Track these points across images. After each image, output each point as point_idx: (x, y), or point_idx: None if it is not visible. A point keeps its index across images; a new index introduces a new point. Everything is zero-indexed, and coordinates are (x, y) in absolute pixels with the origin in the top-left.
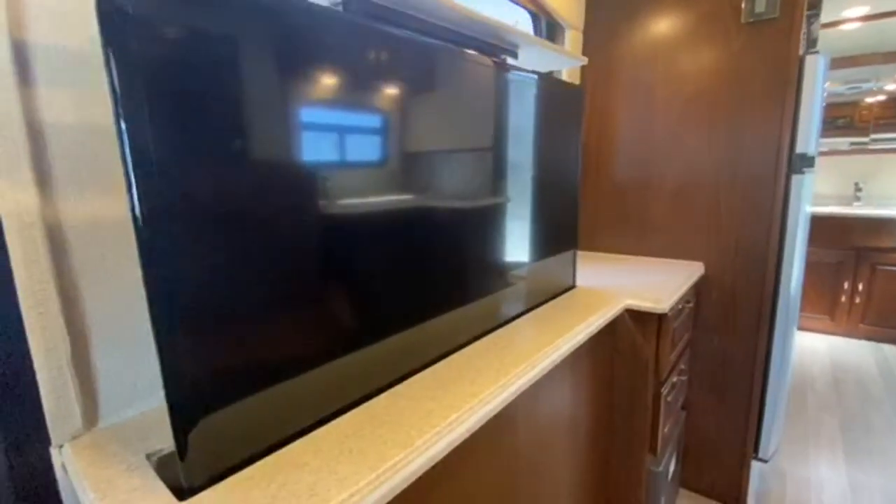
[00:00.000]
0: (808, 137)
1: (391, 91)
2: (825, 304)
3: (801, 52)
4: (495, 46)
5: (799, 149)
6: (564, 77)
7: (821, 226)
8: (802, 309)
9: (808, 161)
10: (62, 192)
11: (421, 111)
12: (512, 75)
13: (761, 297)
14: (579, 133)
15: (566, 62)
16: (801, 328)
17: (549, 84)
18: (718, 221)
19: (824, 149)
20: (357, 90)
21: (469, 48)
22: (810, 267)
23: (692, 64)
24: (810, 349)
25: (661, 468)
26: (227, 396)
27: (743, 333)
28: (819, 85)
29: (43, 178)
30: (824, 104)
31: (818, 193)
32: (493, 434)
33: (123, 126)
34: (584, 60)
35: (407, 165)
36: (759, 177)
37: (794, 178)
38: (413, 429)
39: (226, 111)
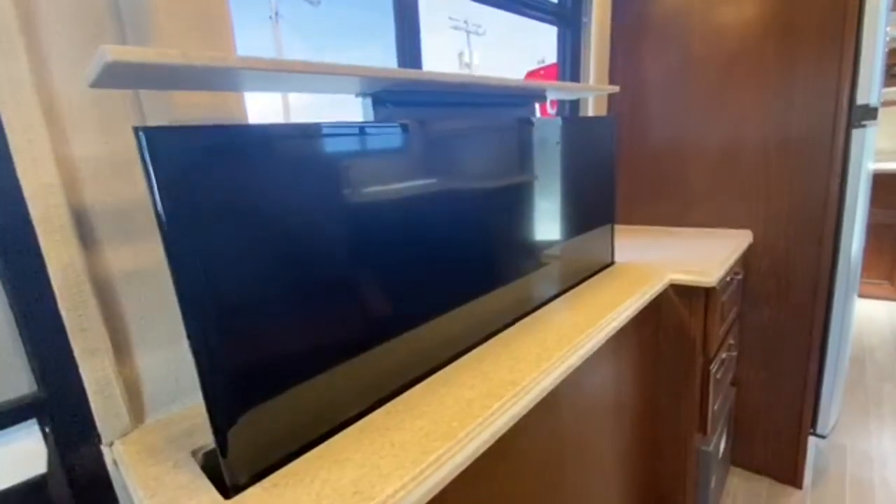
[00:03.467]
0: (871, 86)
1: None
2: (886, 268)
3: None
4: (523, 96)
5: (860, 100)
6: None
7: (882, 184)
8: (861, 275)
9: (870, 113)
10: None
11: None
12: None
13: (818, 265)
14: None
15: (592, 94)
16: (859, 295)
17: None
18: (768, 186)
19: (884, 99)
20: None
21: (500, 102)
22: (870, 229)
23: (734, 14)
24: (869, 316)
25: (711, 447)
26: (264, 393)
27: (797, 304)
28: (882, 26)
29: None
30: (887, 49)
31: (878, 149)
32: (537, 420)
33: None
34: (615, 89)
35: (436, 155)
36: (814, 134)
37: (855, 133)
38: (454, 420)
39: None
